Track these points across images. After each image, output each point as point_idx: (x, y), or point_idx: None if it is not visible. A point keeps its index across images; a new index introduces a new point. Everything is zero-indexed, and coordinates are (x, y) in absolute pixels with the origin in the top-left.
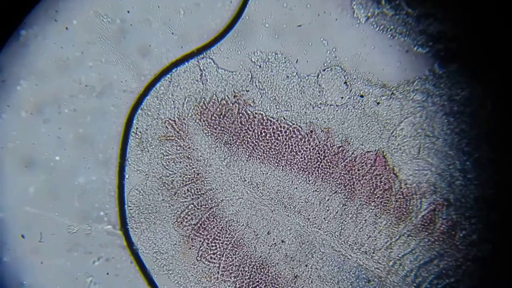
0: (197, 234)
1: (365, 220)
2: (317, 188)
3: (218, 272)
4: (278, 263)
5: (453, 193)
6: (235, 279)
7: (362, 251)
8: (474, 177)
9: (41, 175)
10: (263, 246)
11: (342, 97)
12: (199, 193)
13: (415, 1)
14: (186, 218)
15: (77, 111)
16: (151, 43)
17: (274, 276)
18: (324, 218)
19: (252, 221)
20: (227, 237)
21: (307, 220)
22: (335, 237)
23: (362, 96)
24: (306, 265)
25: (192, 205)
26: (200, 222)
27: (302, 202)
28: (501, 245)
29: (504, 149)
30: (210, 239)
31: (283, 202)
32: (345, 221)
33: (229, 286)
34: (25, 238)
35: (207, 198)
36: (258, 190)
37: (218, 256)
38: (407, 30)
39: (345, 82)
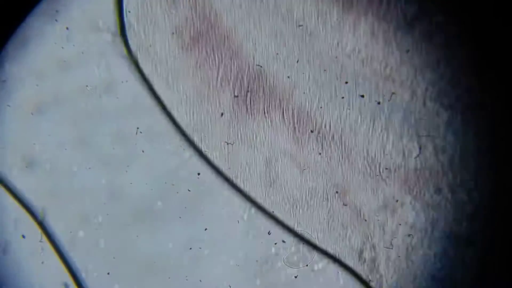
0: (196, 45)
1: (362, 29)
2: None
3: (217, 81)
4: (276, 71)
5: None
6: (233, 88)
7: (360, 60)
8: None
9: (42, 175)
10: (262, 56)
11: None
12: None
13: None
14: (185, 29)
15: (77, 111)
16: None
17: (272, 84)
18: (322, 28)
19: (251, 32)
20: (225, 48)
21: (305, 30)
22: (333, 46)
23: (362, 96)
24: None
25: (191, 16)
26: (199, 33)
27: (300, 13)
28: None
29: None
30: (209, 50)
31: (281, 13)
32: (343, 30)
33: (227, 95)
34: (26, 238)
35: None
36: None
37: (217, 66)
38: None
39: (346, 82)
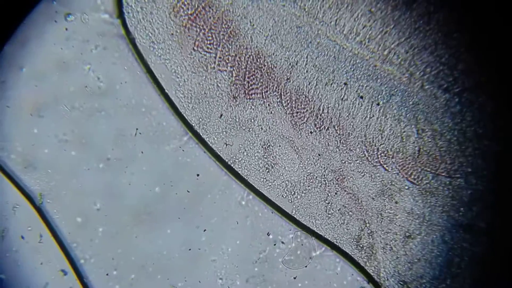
0: (194, 24)
1: (360, 10)
2: None
3: (214, 62)
4: (274, 53)
5: None
6: (232, 69)
7: (357, 41)
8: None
9: (41, 176)
10: (259, 37)
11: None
12: None
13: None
14: (182, 8)
15: (76, 112)
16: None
17: (270, 66)
18: (319, 8)
19: (248, 12)
20: (223, 28)
21: (303, 10)
22: (331, 27)
23: (362, 97)
24: (302, 56)
25: None
26: (197, 12)
27: None
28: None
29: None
30: (206, 30)
31: None
32: (341, 10)
33: (226, 76)
34: (25, 239)
35: None
36: None
37: (215, 47)
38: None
39: (345, 83)
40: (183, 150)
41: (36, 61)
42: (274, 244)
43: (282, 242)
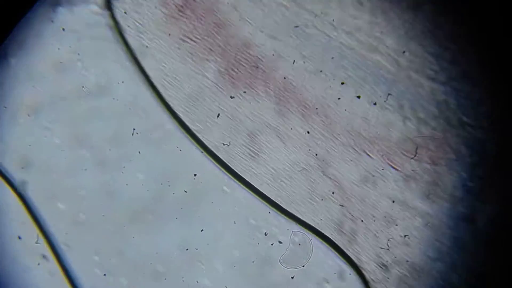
0: (182, 15)
1: (349, 0)
2: None
3: (203, 53)
4: (262, 43)
5: None
6: (220, 59)
7: (345, 31)
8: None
9: (38, 176)
10: (248, 27)
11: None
12: None
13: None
14: None
15: (73, 112)
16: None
17: (258, 56)
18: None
19: (237, 2)
20: (212, 18)
21: (291, 0)
22: (319, 17)
23: (359, 97)
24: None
25: None
26: (185, 3)
27: None
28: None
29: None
30: (195, 20)
31: None
32: (329, 1)
33: (214, 66)
34: (22, 239)
35: None
36: None
37: (203, 37)
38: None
39: (343, 83)
40: (180, 150)
41: (33, 61)
42: (272, 244)
43: (279, 242)
